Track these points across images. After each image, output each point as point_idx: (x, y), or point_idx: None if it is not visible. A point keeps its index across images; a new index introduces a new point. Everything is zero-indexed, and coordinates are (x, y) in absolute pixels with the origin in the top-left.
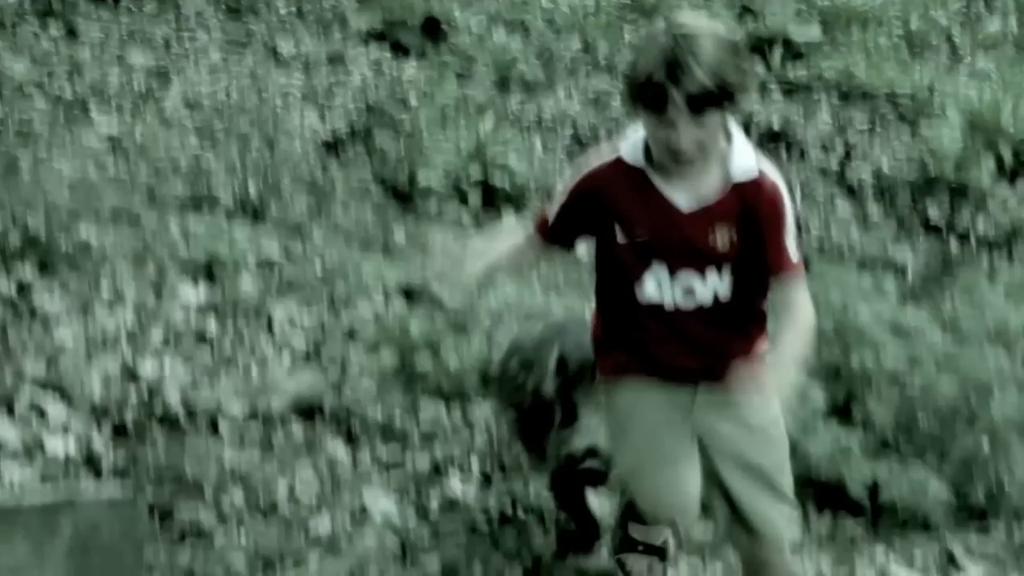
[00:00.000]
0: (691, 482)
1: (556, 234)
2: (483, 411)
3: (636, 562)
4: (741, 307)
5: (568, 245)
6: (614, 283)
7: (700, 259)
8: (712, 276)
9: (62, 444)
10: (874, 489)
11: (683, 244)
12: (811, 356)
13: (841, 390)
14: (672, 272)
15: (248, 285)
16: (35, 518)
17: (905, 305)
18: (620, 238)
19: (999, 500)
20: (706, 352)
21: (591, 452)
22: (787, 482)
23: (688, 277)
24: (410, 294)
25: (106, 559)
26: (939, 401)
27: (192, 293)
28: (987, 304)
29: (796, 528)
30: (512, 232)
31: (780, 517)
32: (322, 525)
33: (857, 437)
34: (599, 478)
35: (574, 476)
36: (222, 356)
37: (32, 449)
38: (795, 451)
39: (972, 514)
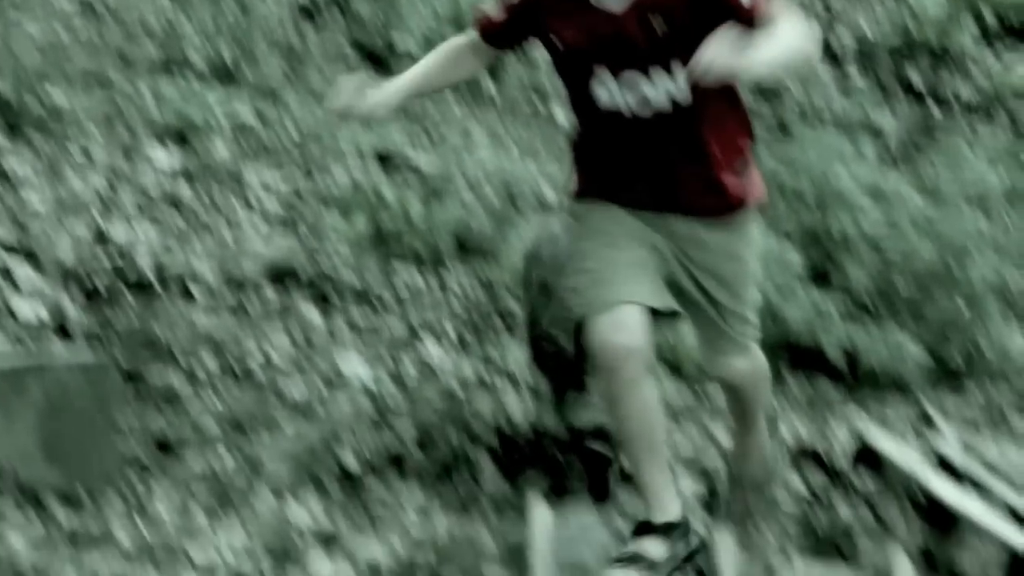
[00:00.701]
0: (638, 297)
1: (498, 38)
2: (458, 277)
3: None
4: (709, 112)
5: (508, 47)
6: (575, 96)
7: (638, 57)
8: (660, 77)
9: (32, 308)
10: (851, 352)
11: (617, 44)
12: (802, 57)
13: (820, 254)
14: (616, 76)
15: (221, 149)
16: (4, 381)
17: (885, 169)
18: (560, 46)
19: (975, 362)
20: (675, 171)
21: (599, 433)
22: (751, 298)
23: (634, 79)
24: (385, 159)
25: (77, 422)
26: (918, 265)
27: (164, 157)
28: (967, 168)
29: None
30: (436, 51)
31: (739, 324)
32: (296, 390)
33: (835, 301)
34: (602, 464)
35: (579, 452)
36: (195, 221)
37: (1, 313)
38: (774, 315)
39: (948, 376)
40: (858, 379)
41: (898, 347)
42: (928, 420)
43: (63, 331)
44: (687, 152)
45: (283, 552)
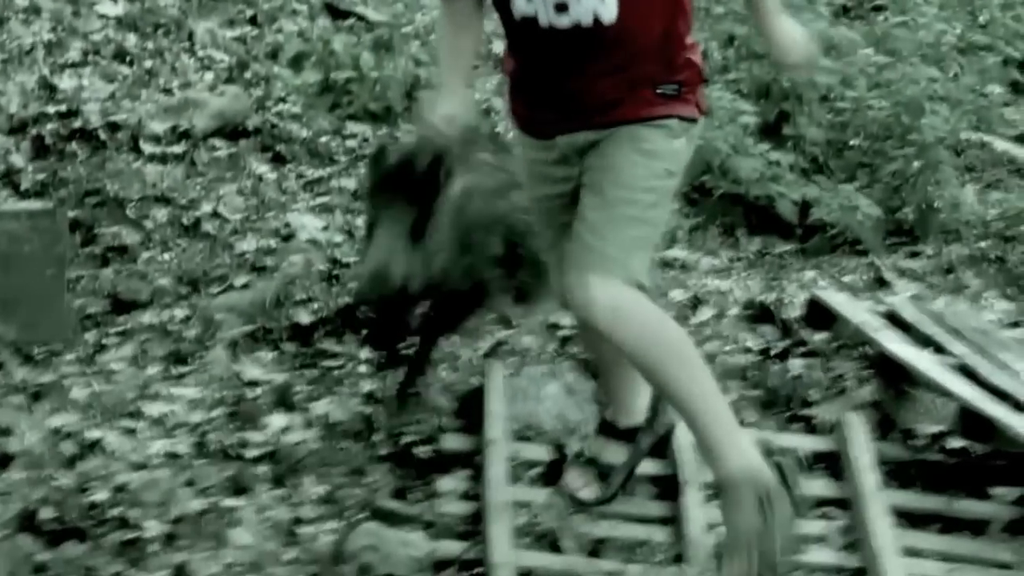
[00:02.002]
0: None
1: None
2: (409, 132)
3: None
4: (638, 34)
5: None
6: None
7: None
8: None
9: None
10: (804, 209)
11: None
12: None
13: (771, 109)
14: None
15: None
16: None
17: (838, 23)
18: None
19: (928, 219)
20: (592, 90)
21: (376, 276)
22: (647, 217)
23: None
24: (334, 11)
25: (27, 274)
26: (870, 120)
27: (110, 7)
28: (920, 20)
29: (621, 270)
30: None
31: (615, 230)
32: (248, 245)
33: (787, 157)
34: (379, 309)
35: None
36: (143, 73)
37: None
38: (724, 171)
39: (902, 234)
40: (810, 235)
41: (850, 203)
42: (880, 276)
43: (11, 183)
44: (607, 72)
45: (235, 406)
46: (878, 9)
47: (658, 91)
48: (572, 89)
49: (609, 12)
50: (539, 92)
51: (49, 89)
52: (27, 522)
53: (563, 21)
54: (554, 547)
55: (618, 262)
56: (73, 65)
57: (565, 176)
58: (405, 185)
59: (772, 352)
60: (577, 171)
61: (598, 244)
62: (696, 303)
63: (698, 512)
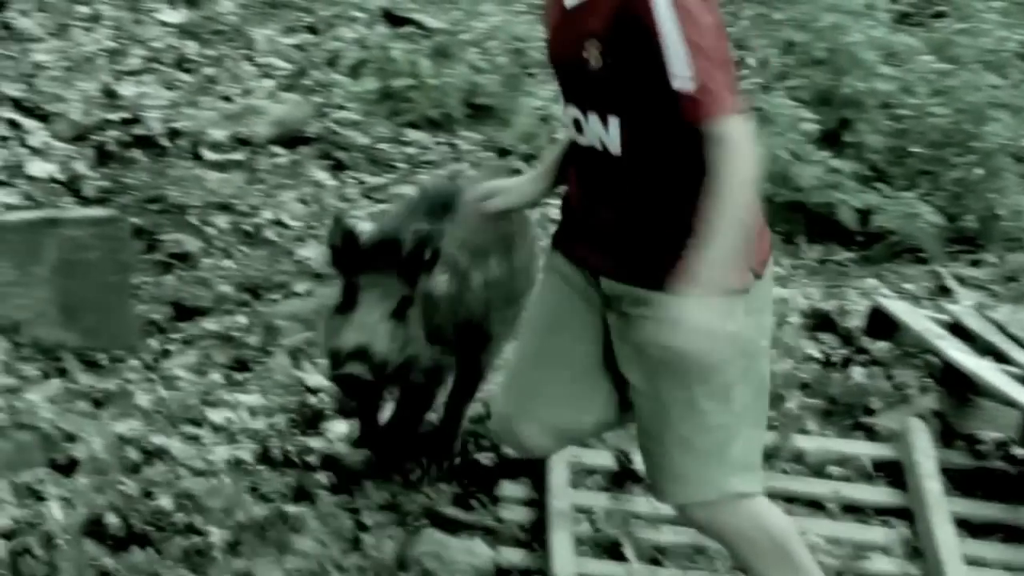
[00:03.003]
0: (561, 400)
1: None
2: (468, 138)
3: None
4: (643, 173)
5: None
6: None
7: (576, 80)
8: (594, 115)
9: (43, 166)
10: (864, 217)
11: (560, 53)
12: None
13: (832, 116)
14: (564, 93)
15: (228, 7)
16: (19, 237)
17: (898, 30)
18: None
19: (990, 227)
20: (604, 219)
21: (359, 353)
22: (706, 440)
23: (572, 107)
24: (393, 18)
25: (92, 281)
26: (931, 127)
27: (171, 14)
28: (981, 27)
29: (706, 489)
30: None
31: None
32: (309, 252)
33: (848, 164)
34: (360, 389)
35: (335, 377)
36: (203, 80)
37: (13, 171)
38: (785, 179)
39: (963, 242)
40: (871, 243)
41: (911, 211)
42: (941, 284)
43: (75, 190)
44: (633, 210)
45: (297, 412)
46: (939, 16)
47: (669, 248)
48: (602, 216)
49: (613, 141)
50: (577, 210)
51: (111, 96)
52: (93, 528)
53: (583, 140)
54: (616, 555)
55: (701, 483)
56: (135, 72)
57: (580, 314)
58: (390, 262)
59: (833, 360)
60: (594, 320)
61: (668, 460)
62: None
63: None
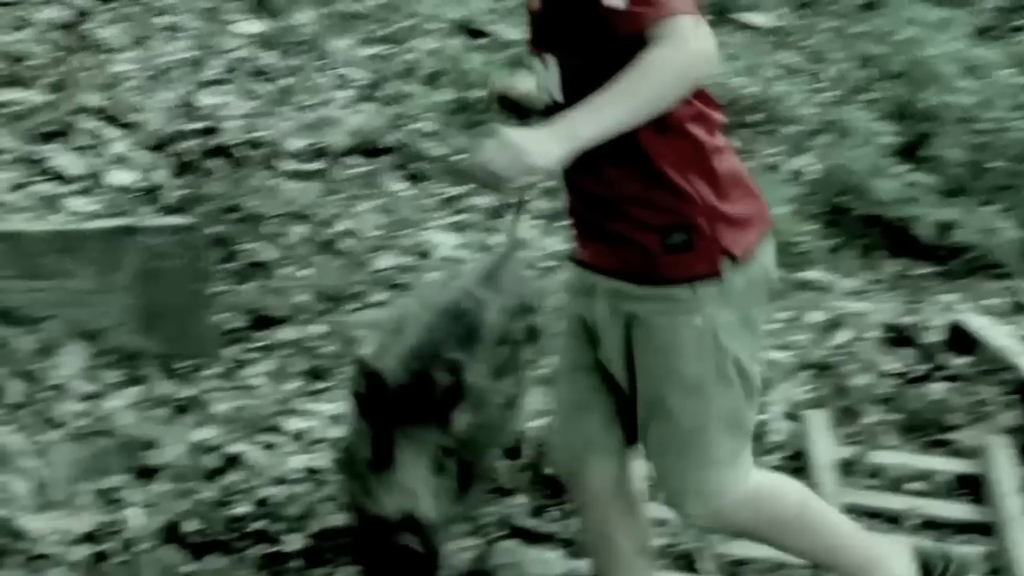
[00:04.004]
0: (589, 427)
1: None
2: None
3: None
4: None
5: None
6: None
7: (532, 30)
8: (538, 60)
9: (123, 175)
10: (944, 232)
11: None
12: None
13: (910, 130)
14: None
15: (306, 18)
16: (99, 245)
17: (977, 42)
18: None
19: None
20: (575, 198)
21: (408, 522)
22: (706, 441)
23: (531, 58)
24: (469, 30)
25: (171, 288)
26: (1011, 141)
27: (250, 25)
28: None
29: (691, 496)
30: None
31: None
32: (385, 262)
33: (926, 178)
34: (419, 566)
35: (384, 550)
36: (281, 91)
37: (93, 180)
38: (862, 192)
39: None
40: (950, 258)
41: (991, 225)
42: (1021, 301)
43: (153, 199)
44: (595, 183)
45: None
46: (1019, 29)
47: (666, 242)
48: (573, 196)
49: (556, 89)
50: (566, 200)
51: (190, 106)
52: (172, 534)
53: (544, 97)
54: (691, 568)
55: (685, 490)
56: (214, 83)
57: (579, 313)
58: (422, 406)
59: (912, 376)
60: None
61: (658, 470)
62: (833, 325)
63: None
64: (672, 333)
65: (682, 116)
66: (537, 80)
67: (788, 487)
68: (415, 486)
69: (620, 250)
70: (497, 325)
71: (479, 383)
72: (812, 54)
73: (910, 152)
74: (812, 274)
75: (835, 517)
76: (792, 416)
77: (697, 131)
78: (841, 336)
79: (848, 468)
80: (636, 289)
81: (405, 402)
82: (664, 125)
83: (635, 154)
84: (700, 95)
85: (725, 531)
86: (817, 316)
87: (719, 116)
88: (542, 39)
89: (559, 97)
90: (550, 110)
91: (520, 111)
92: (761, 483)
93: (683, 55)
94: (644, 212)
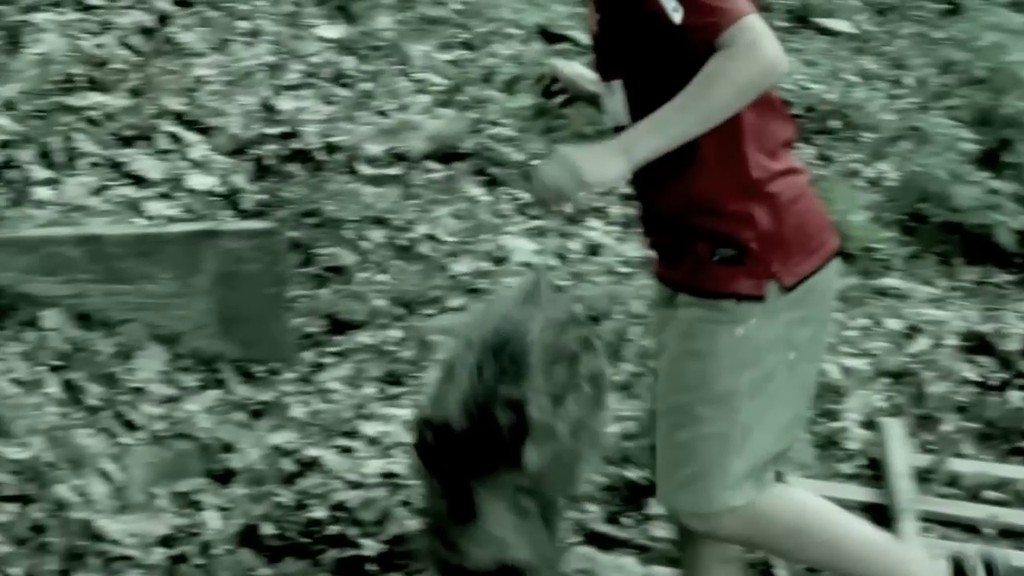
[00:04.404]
0: None
1: None
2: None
3: None
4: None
5: None
6: None
7: (595, 56)
8: (605, 85)
9: (203, 179)
10: None
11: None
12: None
13: (992, 136)
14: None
15: (385, 23)
16: (179, 249)
17: None
18: None
19: None
20: (644, 212)
21: (507, 571)
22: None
23: (599, 83)
24: (548, 35)
25: (249, 293)
26: None
27: (330, 30)
28: None
29: (697, 499)
30: None
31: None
32: (462, 267)
33: (1008, 185)
34: None
35: None
36: (360, 96)
37: (173, 184)
38: (941, 199)
39: None
40: None
41: None
42: None
43: (233, 203)
44: (660, 198)
45: None
46: None
47: (716, 254)
48: (647, 204)
49: (621, 111)
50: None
51: (270, 111)
52: (248, 537)
53: (608, 121)
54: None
55: (694, 492)
56: (293, 87)
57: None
58: (490, 448)
59: (991, 383)
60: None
61: (666, 466)
62: (912, 332)
63: (913, 541)
64: (711, 339)
65: (742, 139)
66: (604, 106)
67: (784, 496)
68: (503, 533)
69: (677, 260)
70: (545, 343)
71: (541, 414)
72: (892, 60)
73: (990, 159)
74: (890, 281)
75: (847, 526)
76: (869, 424)
77: (758, 154)
78: (919, 344)
79: (925, 476)
80: (685, 298)
81: (473, 449)
82: (723, 147)
83: (694, 172)
84: (767, 114)
85: (720, 540)
86: (895, 323)
87: (787, 135)
88: (604, 63)
89: (625, 120)
90: (617, 133)
91: (567, 95)
92: (759, 500)
93: (750, 64)
94: (698, 223)
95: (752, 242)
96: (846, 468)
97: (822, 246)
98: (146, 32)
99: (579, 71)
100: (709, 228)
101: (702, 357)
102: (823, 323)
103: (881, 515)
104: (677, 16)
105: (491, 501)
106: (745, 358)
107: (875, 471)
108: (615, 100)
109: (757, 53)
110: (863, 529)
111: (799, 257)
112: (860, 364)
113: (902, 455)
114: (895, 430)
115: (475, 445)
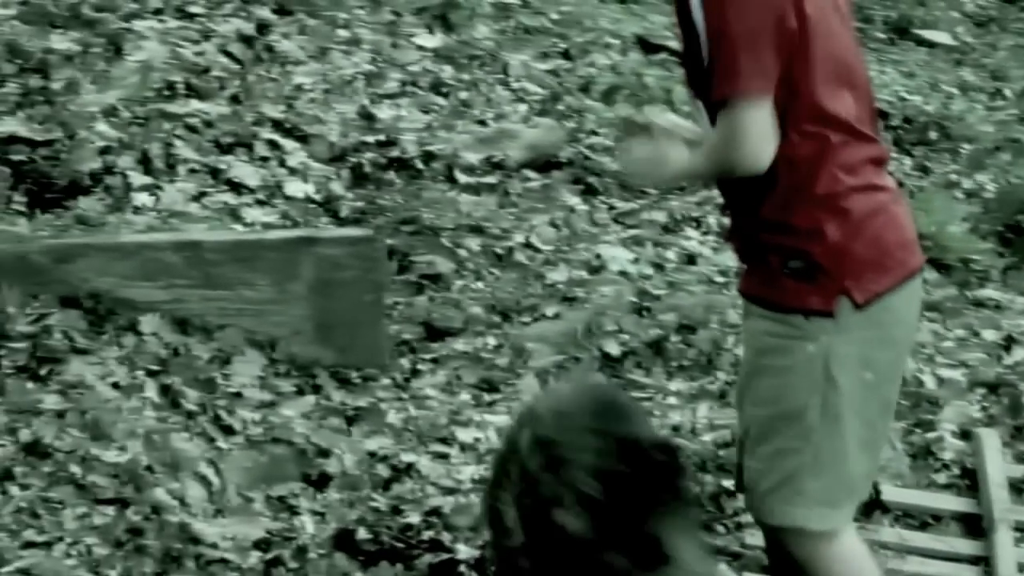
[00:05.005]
0: None
1: None
2: None
3: None
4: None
5: None
6: None
7: (682, 65)
8: (694, 104)
9: (301, 186)
10: None
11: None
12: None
13: None
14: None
15: (484, 32)
16: (277, 255)
17: None
18: None
19: None
20: (730, 222)
21: None
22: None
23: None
24: (647, 45)
25: (346, 299)
26: None
27: (428, 39)
28: None
29: (770, 511)
30: None
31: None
32: (559, 275)
33: None
34: None
35: None
36: (458, 104)
37: (271, 191)
38: None
39: None
40: None
41: None
42: None
43: (331, 210)
44: (738, 208)
45: None
46: None
47: (786, 266)
48: (730, 215)
49: (708, 131)
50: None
51: (368, 119)
52: (343, 542)
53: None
54: None
55: (767, 502)
56: (391, 96)
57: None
58: (669, 488)
59: None
60: None
61: (751, 475)
62: (1010, 343)
63: (1009, 552)
64: (783, 356)
65: (819, 156)
66: (695, 122)
67: (861, 561)
68: (699, 566)
69: (752, 271)
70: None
71: None
72: (992, 72)
73: None
74: (987, 292)
75: None
76: (964, 434)
77: (834, 169)
78: (1016, 355)
79: (1021, 487)
80: (758, 310)
81: (659, 486)
82: (796, 163)
83: (770, 186)
84: (848, 132)
85: (771, 551)
86: (991, 334)
87: (873, 152)
88: (689, 82)
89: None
90: None
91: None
92: (839, 541)
93: (727, 155)
94: (772, 237)
95: (821, 256)
96: (941, 478)
97: (901, 264)
98: (246, 40)
99: (674, 121)
100: (780, 240)
101: (774, 373)
102: (905, 345)
103: (976, 525)
104: (705, 55)
105: (682, 540)
106: (816, 376)
107: (970, 481)
108: (702, 117)
109: (733, 149)
110: None
111: (873, 274)
112: (956, 375)
113: (997, 465)
114: (990, 440)
115: (660, 482)
